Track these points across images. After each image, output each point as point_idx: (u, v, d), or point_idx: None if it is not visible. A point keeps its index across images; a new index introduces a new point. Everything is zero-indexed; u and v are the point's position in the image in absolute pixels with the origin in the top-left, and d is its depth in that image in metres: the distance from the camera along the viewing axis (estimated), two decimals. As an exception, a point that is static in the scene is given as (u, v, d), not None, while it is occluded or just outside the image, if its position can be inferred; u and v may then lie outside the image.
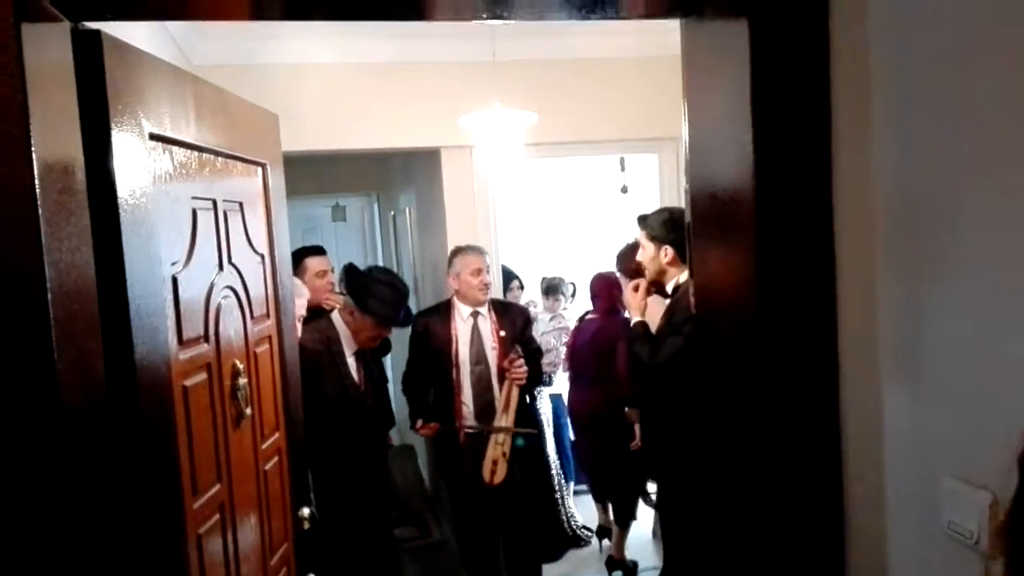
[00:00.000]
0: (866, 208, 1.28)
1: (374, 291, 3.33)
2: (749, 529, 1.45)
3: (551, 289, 5.33)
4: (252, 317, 1.96)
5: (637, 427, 3.99)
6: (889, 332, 1.27)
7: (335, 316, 3.40)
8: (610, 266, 4.28)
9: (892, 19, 1.22)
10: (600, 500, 4.55)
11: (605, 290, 4.35)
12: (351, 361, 3.36)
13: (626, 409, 4.09)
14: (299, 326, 2.58)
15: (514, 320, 3.69)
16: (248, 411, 1.87)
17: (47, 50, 1.13)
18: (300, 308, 2.57)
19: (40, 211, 1.03)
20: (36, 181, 1.03)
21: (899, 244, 1.24)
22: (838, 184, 1.31)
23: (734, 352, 1.44)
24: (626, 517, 4.33)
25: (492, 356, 3.58)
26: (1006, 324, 1.05)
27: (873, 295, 1.29)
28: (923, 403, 1.22)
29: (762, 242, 1.30)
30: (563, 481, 4.76)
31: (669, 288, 2.99)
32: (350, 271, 3.60)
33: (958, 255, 1.13)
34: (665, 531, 3.44)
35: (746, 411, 1.41)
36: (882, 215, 1.27)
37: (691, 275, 1.60)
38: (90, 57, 1.26)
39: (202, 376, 1.67)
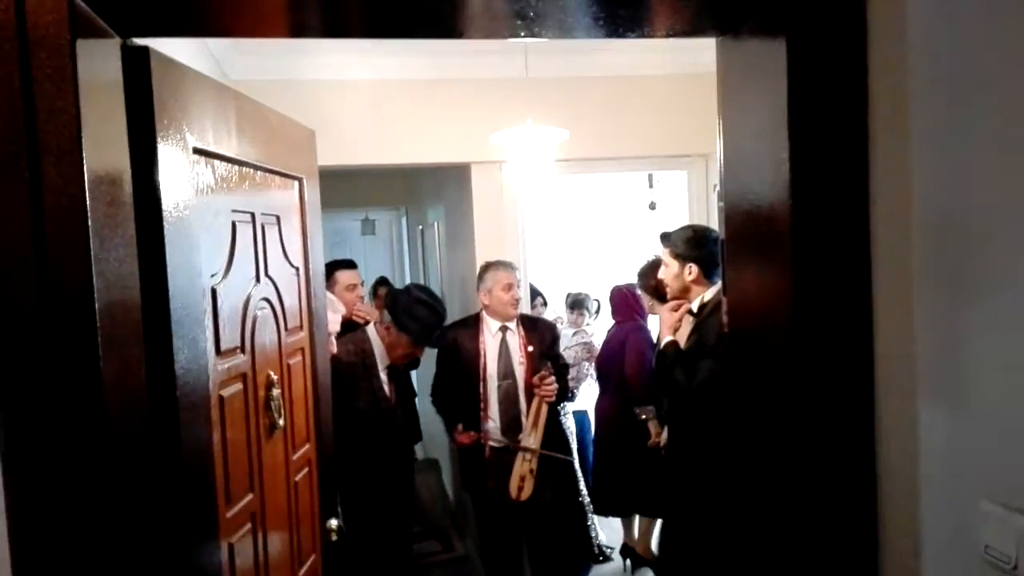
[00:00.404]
0: (903, 225, 1.27)
1: (414, 311, 3.38)
2: (780, 548, 1.44)
3: (576, 304, 5.34)
4: (286, 329, 1.99)
5: (651, 425, 3.99)
6: (927, 351, 1.26)
7: (370, 330, 3.44)
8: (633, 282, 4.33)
9: (932, 38, 1.22)
10: (617, 513, 4.53)
11: (621, 301, 4.42)
12: (383, 375, 3.39)
13: (636, 409, 4.08)
14: (334, 340, 2.60)
15: (542, 335, 3.69)
16: (281, 422, 1.90)
17: (99, 65, 1.16)
18: (334, 324, 2.60)
19: (90, 222, 1.06)
20: (87, 192, 1.06)
21: (937, 262, 1.23)
22: (875, 201, 1.30)
23: (768, 369, 1.43)
24: (655, 508, 4.26)
25: (520, 371, 3.57)
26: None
27: (910, 313, 1.28)
28: (961, 424, 1.20)
29: (798, 259, 1.30)
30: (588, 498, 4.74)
31: (694, 307, 2.95)
32: (382, 284, 3.64)
33: (999, 273, 1.12)
34: (667, 540, 3.42)
35: (779, 429, 1.41)
36: (920, 233, 1.26)
37: (724, 292, 1.59)
38: (138, 72, 1.29)
39: (238, 386, 1.69)
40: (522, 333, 3.63)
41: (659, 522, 4.17)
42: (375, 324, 3.47)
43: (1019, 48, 1.07)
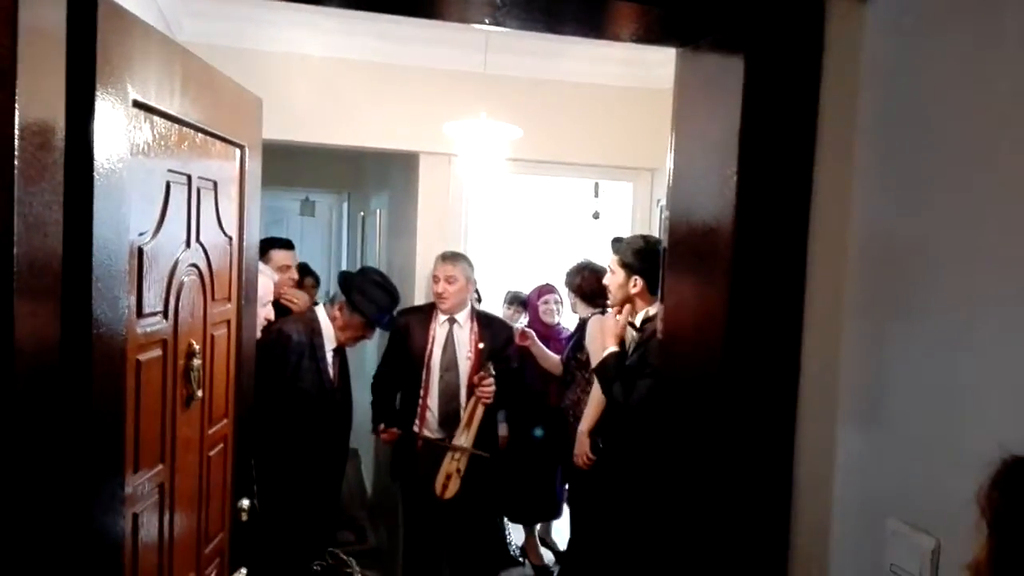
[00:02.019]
0: (839, 251, 1.31)
1: (367, 292, 3.39)
2: (695, 562, 1.46)
3: (515, 300, 5.34)
4: (213, 299, 1.92)
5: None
6: (849, 373, 1.30)
7: (320, 310, 3.44)
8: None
9: (883, 71, 1.25)
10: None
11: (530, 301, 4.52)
12: (329, 356, 3.38)
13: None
14: (271, 308, 2.55)
15: (496, 334, 3.66)
16: (199, 393, 1.84)
17: (42, 1, 1.11)
18: (268, 293, 2.54)
19: (16, 162, 1.00)
20: (15, 131, 1.00)
21: (866, 287, 1.27)
22: (814, 224, 1.34)
23: (697, 380, 1.45)
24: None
25: (465, 366, 3.55)
26: (959, 374, 1.08)
27: (837, 337, 1.32)
28: (875, 446, 1.24)
29: (737, 272, 1.32)
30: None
31: (637, 321, 2.91)
32: (308, 274, 3.62)
33: (920, 303, 1.16)
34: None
35: (704, 439, 1.42)
36: (853, 259, 1.30)
37: (661, 298, 1.61)
38: (83, 14, 1.23)
39: (157, 352, 1.63)
40: (475, 329, 3.61)
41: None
42: (325, 306, 3.45)
43: (962, 97, 1.10)
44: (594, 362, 3.14)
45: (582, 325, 3.78)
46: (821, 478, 1.33)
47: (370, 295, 3.39)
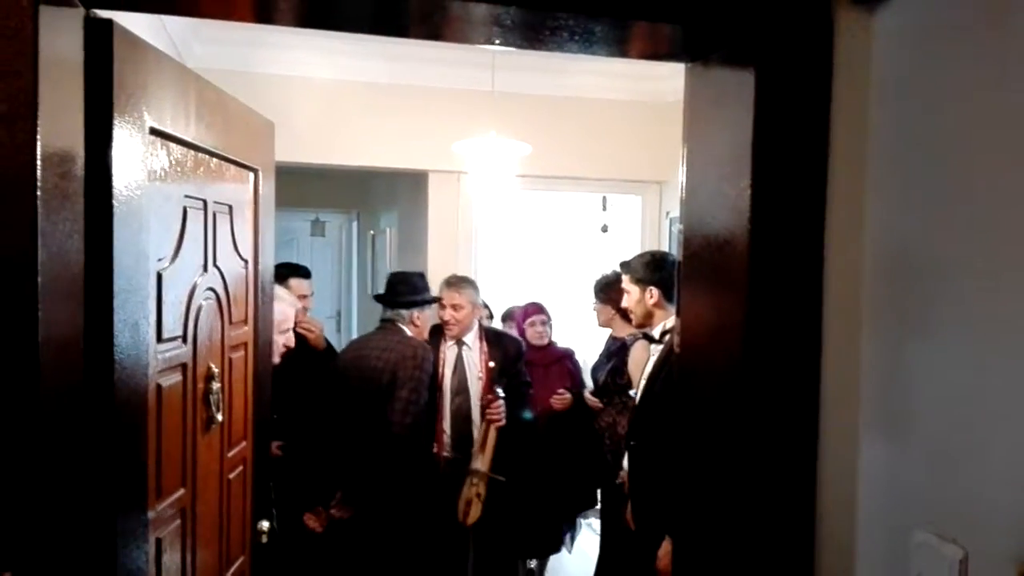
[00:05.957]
0: (855, 262, 1.31)
1: (408, 285, 3.45)
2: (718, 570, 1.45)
3: (508, 316, 5.31)
4: (231, 322, 1.94)
5: None
6: (870, 385, 1.29)
7: (405, 329, 3.40)
8: (586, 300, 4.32)
9: (893, 84, 1.26)
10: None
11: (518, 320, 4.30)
12: None
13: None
14: (291, 335, 2.55)
15: (506, 349, 3.61)
16: (219, 417, 1.84)
17: (60, 33, 1.13)
18: (288, 320, 2.54)
19: (39, 192, 1.02)
20: (38, 162, 1.02)
21: (886, 300, 1.27)
22: (830, 236, 1.33)
23: (716, 394, 1.45)
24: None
25: (476, 387, 3.51)
26: (985, 382, 1.08)
27: (857, 348, 1.31)
28: (899, 456, 1.23)
29: (753, 284, 1.31)
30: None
31: (657, 333, 2.90)
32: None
33: (942, 311, 1.15)
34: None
35: (724, 453, 1.42)
36: (871, 270, 1.29)
37: (678, 312, 1.61)
38: (100, 45, 1.26)
39: (177, 377, 1.64)
40: (484, 348, 3.57)
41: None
42: (400, 322, 3.42)
43: (978, 102, 1.11)
44: (636, 387, 3.09)
45: (622, 346, 3.63)
46: (845, 490, 1.32)
47: (416, 285, 3.46)
